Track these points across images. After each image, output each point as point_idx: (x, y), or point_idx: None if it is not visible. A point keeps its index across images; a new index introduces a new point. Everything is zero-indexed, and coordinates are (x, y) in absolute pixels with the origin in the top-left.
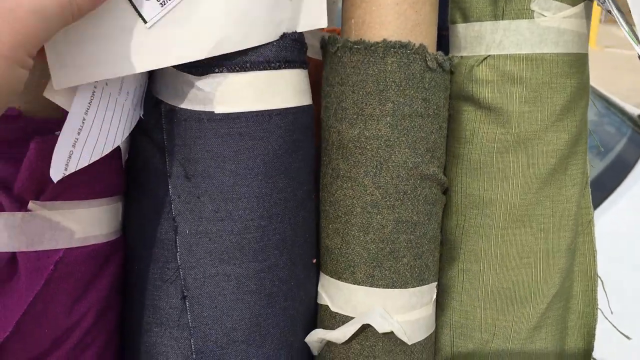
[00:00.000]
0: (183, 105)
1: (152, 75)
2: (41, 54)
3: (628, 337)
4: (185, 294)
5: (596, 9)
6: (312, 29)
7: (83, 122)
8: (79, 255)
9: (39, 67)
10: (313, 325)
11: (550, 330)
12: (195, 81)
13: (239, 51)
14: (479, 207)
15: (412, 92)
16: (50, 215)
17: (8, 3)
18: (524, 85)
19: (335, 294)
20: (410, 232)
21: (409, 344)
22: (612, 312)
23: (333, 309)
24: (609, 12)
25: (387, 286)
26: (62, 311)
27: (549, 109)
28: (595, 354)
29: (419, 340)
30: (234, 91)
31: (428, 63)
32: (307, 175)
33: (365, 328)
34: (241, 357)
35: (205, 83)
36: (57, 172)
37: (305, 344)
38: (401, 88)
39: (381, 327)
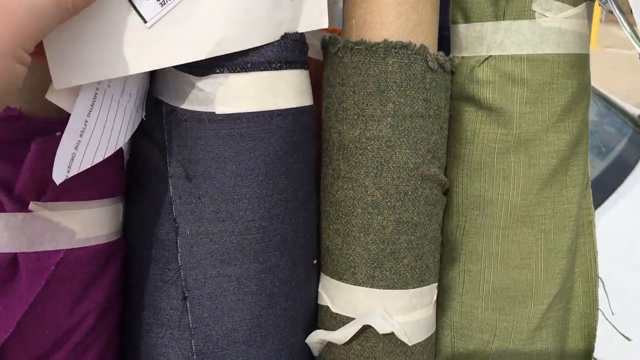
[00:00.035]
0: (184, 106)
1: (153, 76)
2: (42, 54)
3: (628, 339)
4: (186, 294)
5: (597, 9)
6: (313, 29)
7: (85, 124)
8: (80, 256)
9: (40, 68)
10: (314, 326)
11: (551, 331)
12: (196, 81)
13: (240, 52)
14: (479, 207)
15: (413, 92)
16: (51, 216)
17: (4, 0)
18: (525, 85)
19: (335, 294)
20: (411, 232)
21: (410, 344)
22: (612, 313)
23: (334, 309)
24: (611, 12)
25: (387, 287)
26: (63, 312)
27: (550, 110)
28: (596, 355)
29: (419, 341)
30: (235, 92)
31: (429, 63)
32: (308, 176)
33: (366, 329)
34: (242, 358)
35: (206, 83)
36: (59, 175)
37: (306, 344)
38: (402, 88)
39: (382, 328)
